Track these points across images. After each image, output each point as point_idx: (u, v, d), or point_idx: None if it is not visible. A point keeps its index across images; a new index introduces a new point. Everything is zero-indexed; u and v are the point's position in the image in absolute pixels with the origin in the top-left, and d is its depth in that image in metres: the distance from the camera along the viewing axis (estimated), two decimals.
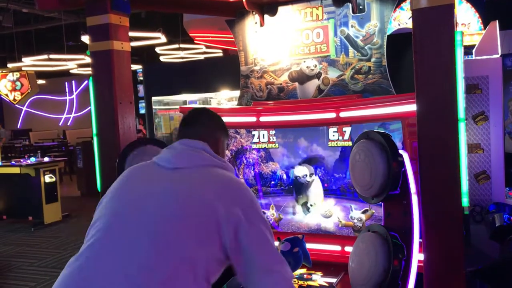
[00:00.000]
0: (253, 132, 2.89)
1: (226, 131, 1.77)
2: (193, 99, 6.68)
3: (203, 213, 1.41)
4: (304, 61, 2.85)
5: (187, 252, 1.37)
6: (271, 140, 2.85)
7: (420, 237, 2.02)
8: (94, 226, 1.47)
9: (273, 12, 2.91)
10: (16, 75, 8.74)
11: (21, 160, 7.87)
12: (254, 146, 2.90)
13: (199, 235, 1.39)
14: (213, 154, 1.58)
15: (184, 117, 1.72)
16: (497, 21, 3.58)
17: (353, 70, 2.72)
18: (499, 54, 3.24)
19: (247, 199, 1.49)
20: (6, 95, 8.83)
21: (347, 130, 2.60)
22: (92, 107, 2.66)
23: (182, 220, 1.40)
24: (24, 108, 17.72)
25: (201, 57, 11.25)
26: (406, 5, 6.37)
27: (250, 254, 1.43)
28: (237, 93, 3.18)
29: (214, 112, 1.77)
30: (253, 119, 2.86)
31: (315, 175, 2.72)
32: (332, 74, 2.79)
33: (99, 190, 2.64)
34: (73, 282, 1.37)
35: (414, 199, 2.04)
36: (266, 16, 2.93)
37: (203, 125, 1.69)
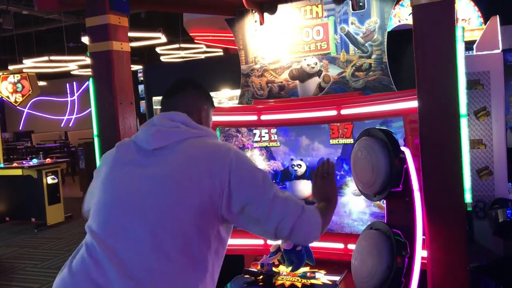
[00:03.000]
0: (254, 131, 2.88)
1: (211, 99, 1.74)
2: None
3: (191, 190, 1.41)
4: (305, 59, 2.85)
5: (182, 237, 1.38)
6: (272, 138, 2.85)
7: (423, 234, 2.01)
8: (89, 224, 1.48)
9: (272, 10, 2.90)
10: (17, 77, 8.73)
11: (23, 162, 7.89)
12: (255, 145, 2.89)
13: (193, 213, 1.39)
14: (190, 124, 1.56)
15: (168, 88, 1.70)
16: (497, 16, 3.56)
17: (353, 67, 2.71)
18: (500, 49, 3.23)
19: (232, 158, 1.47)
20: (7, 97, 8.82)
21: (349, 127, 2.60)
22: (93, 108, 2.66)
23: (172, 203, 1.40)
24: (26, 110, 17.73)
25: (202, 56, 11.25)
26: (406, 2, 6.36)
27: (252, 201, 1.45)
28: (237, 92, 3.18)
29: (197, 81, 1.74)
30: (254, 117, 2.85)
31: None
32: (333, 72, 2.78)
33: None
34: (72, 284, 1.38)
35: (417, 196, 2.03)
36: (265, 15, 2.93)
37: (185, 95, 1.67)
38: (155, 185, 1.43)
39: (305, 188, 2.77)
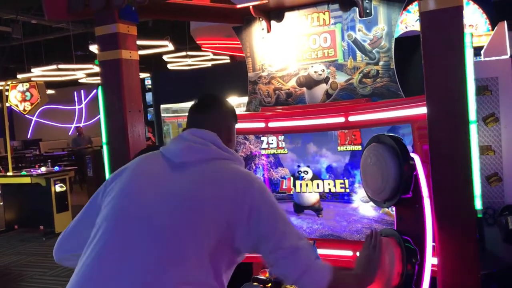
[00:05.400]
0: (262, 138, 2.89)
1: (236, 116, 1.76)
2: None
3: (209, 210, 1.41)
4: (312, 66, 2.85)
5: (193, 250, 1.37)
6: (280, 145, 2.85)
7: (433, 241, 2.00)
8: (99, 225, 1.46)
9: (280, 18, 2.92)
10: (26, 85, 8.80)
11: (32, 170, 7.94)
12: (263, 152, 2.90)
13: (206, 232, 1.39)
14: (221, 146, 1.57)
15: (195, 103, 1.70)
16: (505, 22, 3.55)
17: (361, 74, 2.72)
18: (509, 55, 3.22)
19: (255, 190, 1.48)
20: (16, 105, 8.89)
21: (357, 134, 2.59)
22: (102, 116, 2.67)
23: (187, 217, 1.40)
24: (34, 118, 17.88)
25: (209, 64, 11.31)
26: (412, 8, 6.34)
27: (267, 239, 1.44)
28: (245, 99, 3.19)
29: (224, 97, 1.76)
30: (261, 125, 2.86)
31: (327, 179, 2.71)
32: (340, 79, 2.78)
33: None
34: (79, 282, 1.38)
35: (427, 202, 2.02)
36: (273, 22, 2.94)
37: (214, 112, 1.67)
38: (172, 198, 1.44)
39: (310, 194, 2.76)
